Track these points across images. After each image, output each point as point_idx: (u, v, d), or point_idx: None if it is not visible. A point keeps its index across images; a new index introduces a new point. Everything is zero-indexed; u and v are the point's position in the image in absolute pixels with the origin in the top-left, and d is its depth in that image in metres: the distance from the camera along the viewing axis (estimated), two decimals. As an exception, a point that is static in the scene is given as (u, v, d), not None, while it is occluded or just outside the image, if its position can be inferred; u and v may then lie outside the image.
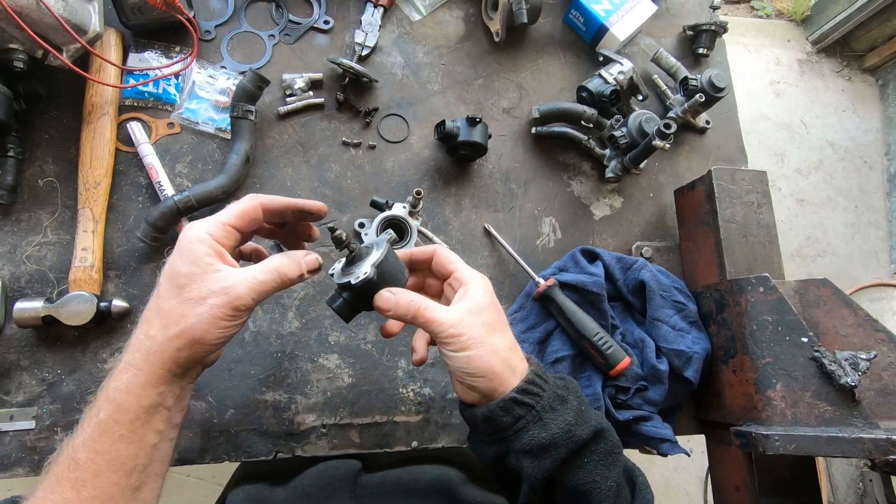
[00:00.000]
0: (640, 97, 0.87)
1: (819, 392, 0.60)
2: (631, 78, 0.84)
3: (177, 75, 0.78)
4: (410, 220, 0.75)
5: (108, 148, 0.72)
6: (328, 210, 0.53)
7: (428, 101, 0.86)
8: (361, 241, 0.75)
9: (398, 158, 0.82)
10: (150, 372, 0.43)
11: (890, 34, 2.40)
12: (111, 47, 0.75)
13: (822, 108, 2.51)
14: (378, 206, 0.75)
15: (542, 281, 0.74)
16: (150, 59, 0.77)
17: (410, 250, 0.56)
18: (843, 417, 0.59)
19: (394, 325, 0.57)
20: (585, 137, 0.85)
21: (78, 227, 0.69)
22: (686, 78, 0.85)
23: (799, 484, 0.68)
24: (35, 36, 0.62)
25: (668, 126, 0.73)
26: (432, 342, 0.56)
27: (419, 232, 0.77)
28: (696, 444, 0.88)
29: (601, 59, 0.88)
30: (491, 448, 0.50)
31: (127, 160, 0.74)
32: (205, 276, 0.44)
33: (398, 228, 0.74)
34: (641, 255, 0.82)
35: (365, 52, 0.84)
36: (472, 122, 0.77)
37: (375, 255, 0.49)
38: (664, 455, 0.70)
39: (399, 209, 0.75)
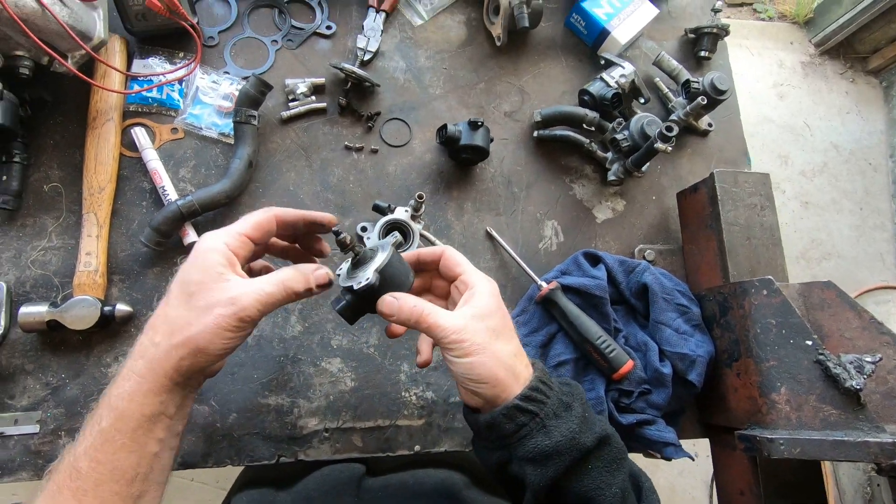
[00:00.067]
0: (642, 100, 0.87)
1: (824, 395, 0.60)
2: (632, 81, 0.84)
3: (180, 81, 0.79)
4: (412, 223, 0.75)
5: (113, 153, 0.72)
6: (338, 221, 0.54)
7: (430, 105, 0.86)
8: (365, 245, 0.75)
9: (400, 162, 0.82)
10: (153, 380, 0.43)
11: (894, 36, 2.39)
12: (115, 54, 0.75)
13: (826, 111, 2.50)
14: (380, 210, 0.75)
15: (544, 284, 0.74)
16: (154, 65, 0.78)
17: (418, 251, 0.56)
18: (848, 421, 0.59)
19: (398, 327, 0.57)
20: (587, 141, 0.85)
21: (82, 231, 0.69)
22: (688, 81, 0.85)
23: (804, 488, 0.67)
24: (41, 43, 0.62)
25: (669, 129, 0.73)
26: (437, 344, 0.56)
27: (421, 235, 0.77)
28: (701, 448, 0.87)
29: (603, 62, 0.88)
30: (494, 454, 0.50)
31: (131, 165, 0.75)
32: (214, 284, 0.44)
33: (401, 232, 0.75)
34: (644, 258, 0.82)
35: (367, 57, 0.84)
36: (473, 125, 0.77)
37: (380, 260, 0.49)
38: (668, 459, 0.69)
39: (401, 213, 0.75)
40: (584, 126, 0.85)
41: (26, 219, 0.71)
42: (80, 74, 0.68)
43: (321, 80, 0.82)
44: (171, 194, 0.73)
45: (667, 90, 0.91)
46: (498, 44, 0.89)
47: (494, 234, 0.80)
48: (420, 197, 0.74)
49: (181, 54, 0.80)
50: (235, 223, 0.48)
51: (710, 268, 0.76)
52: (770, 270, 0.73)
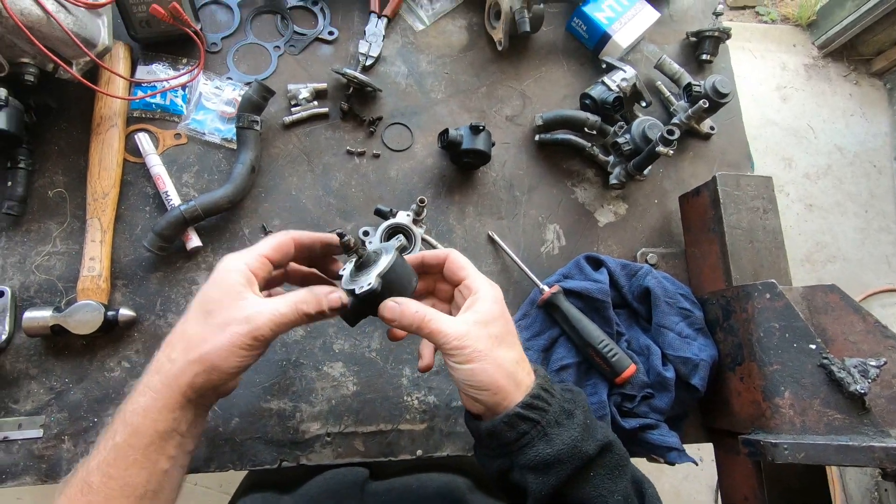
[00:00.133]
0: (644, 104, 0.87)
1: (828, 400, 0.60)
2: (634, 85, 0.84)
3: (184, 87, 0.79)
4: (414, 227, 0.75)
5: (117, 159, 0.73)
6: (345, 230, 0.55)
7: (431, 109, 0.86)
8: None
9: (402, 167, 0.83)
10: (168, 395, 0.44)
11: (897, 38, 2.38)
12: (120, 60, 0.76)
13: (830, 113, 2.49)
14: (382, 215, 0.75)
15: (546, 288, 0.74)
16: (158, 72, 0.79)
17: (422, 253, 0.55)
18: (853, 425, 0.58)
19: (400, 331, 0.57)
20: (589, 144, 0.85)
21: (86, 236, 0.70)
22: (690, 84, 0.85)
23: (809, 493, 0.67)
24: (46, 50, 0.63)
25: (671, 132, 0.73)
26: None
27: (423, 240, 0.77)
28: (706, 452, 0.87)
29: (604, 66, 0.88)
30: (495, 462, 0.50)
31: (134, 171, 0.75)
32: (232, 302, 0.44)
33: (403, 236, 0.75)
34: (646, 261, 0.81)
35: (369, 62, 0.85)
36: (475, 130, 0.77)
37: (383, 264, 0.49)
38: (671, 464, 0.69)
39: (403, 217, 0.75)
40: (586, 130, 0.85)
41: (31, 224, 0.72)
42: (85, 81, 0.68)
43: (323, 86, 0.82)
44: (175, 199, 0.73)
45: (668, 94, 0.91)
46: (499, 48, 0.90)
47: (496, 237, 0.80)
48: (422, 201, 0.74)
49: (184, 60, 0.81)
50: (255, 245, 0.49)
51: (712, 271, 0.76)
52: (773, 274, 0.73)
